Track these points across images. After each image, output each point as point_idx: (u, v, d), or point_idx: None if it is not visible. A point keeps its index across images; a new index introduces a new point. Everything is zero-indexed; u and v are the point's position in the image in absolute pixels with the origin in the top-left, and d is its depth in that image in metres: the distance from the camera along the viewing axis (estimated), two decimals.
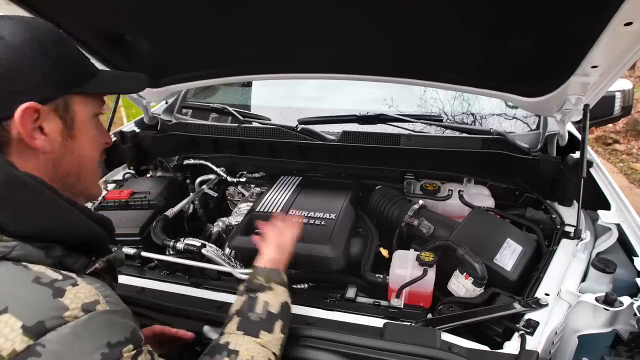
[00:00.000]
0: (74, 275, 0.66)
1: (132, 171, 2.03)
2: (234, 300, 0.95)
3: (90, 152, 0.80)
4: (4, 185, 0.65)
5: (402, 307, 1.20)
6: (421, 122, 1.84)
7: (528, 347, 0.98)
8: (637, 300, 1.04)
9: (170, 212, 1.62)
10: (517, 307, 1.11)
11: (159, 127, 2.07)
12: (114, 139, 2.03)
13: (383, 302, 1.23)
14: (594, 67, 1.16)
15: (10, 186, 0.66)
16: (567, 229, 1.43)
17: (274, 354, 0.86)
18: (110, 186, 1.84)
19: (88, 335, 0.60)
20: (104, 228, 0.78)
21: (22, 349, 0.56)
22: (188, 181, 1.99)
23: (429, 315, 1.20)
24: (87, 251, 0.74)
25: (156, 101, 2.03)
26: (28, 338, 0.56)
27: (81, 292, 0.63)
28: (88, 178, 0.82)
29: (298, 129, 1.80)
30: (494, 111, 2.02)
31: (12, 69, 0.68)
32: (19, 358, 0.55)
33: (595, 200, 1.52)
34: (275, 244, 1.08)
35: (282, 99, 2.30)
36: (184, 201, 1.73)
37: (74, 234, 0.71)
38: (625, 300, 1.03)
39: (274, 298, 0.94)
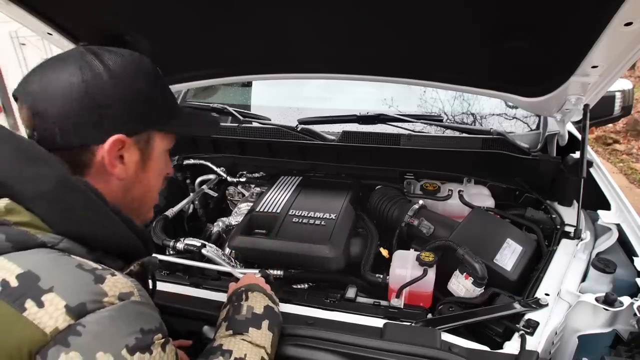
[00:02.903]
0: (112, 270, 0.69)
1: None
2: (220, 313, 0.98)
3: (155, 182, 0.87)
4: (57, 185, 0.69)
5: (402, 307, 1.20)
6: (421, 122, 1.85)
7: (528, 347, 0.98)
8: (637, 300, 1.04)
9: (170, 212, 1.62)
10: (517, 307, 1.11)
11: None
12: None
13: (383, 302, 1.23)
14: (594, 67, 1.16)
15: (63, 187, 0.69)
16: (567, 229, 1.43)
17: (265, 350, 0.88)
18: None
19: (124, 320, 0.63)
20: (141, 240, 0.80)
21: (64, 327, 0.58)
22: (188, 181, 1.99)
23: (429, 315, 1.20)
24: (123, 259, 0.77)
25: None
26: (70, 317, 0.59)
27: (119, 282, 0.66)
28: (148, 204, 0.89)
29: (298, 129, 1.80)
30: (494, 111, 2.02)
31: (110, 101, 0.74)
32: (60, 336, 0.58)
33: (595, 200, 1.52)
34: (254, 280, 1.10)
35: (283, 99, 2.31)
36: (184, 201, 1.73)
37: (113, 241, 0.74)
38: (625, 300, 1.03)
39: (257, 303, 0.97)
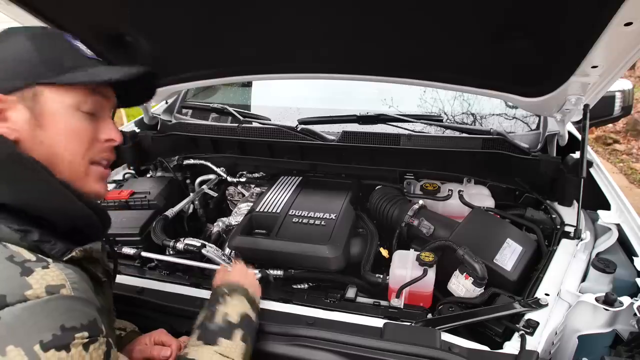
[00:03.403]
0: (49, 259, 0.68)
1: (132, 171, 2.03)
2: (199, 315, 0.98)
3: (67, 144, 0.78)
4: (7, 157, 0.70)
5: (402, 307, 1.20)
6: (421, 122, 1.85)
7: (528, 347, 0.98)
8: (637, 300, 1.04)
9: (170, 212, 1.62)
10: (517, 307, 1.11)
11: (158, 127, 2.08)
12: None
13: (383, 302, 1.23)
14: (594, 67, 1.16)
15: (11, 161, 0.70)
16: (567, 229, 1.43)
17: None
18: (110, 186, 1.84)
19: (44, 315, 0.62)
20: (98, 216, 0.80)
21: None
22: (188, 181, 1.99)
23: (429, 315, 1.20)
24: (78, 238, 0.76)
25: (156, 101, 2.03)
26: None
27: (49, 275, 0.65)
28: (67, 171, 0.79)
29: (298, 129, 1.80)
30: (494, 111, 2.02)
31: None
32: None
33: (595, 200, 1.52)
34: (244, 274, 1.11)
35: (282, 99, 2.31)
36: (184, 201, 1.73)
37: (63, 215, 0.74)
38: (625, 300, 1.03)
39: (232, 309, 0.96)
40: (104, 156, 0.86)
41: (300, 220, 1.43)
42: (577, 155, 1.53)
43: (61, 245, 0.72)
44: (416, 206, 1.53)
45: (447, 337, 1.02)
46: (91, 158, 0.82)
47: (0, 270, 0.63)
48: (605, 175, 1.62)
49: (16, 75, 0.76)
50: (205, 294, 1.22)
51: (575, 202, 1.54)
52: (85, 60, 0.82)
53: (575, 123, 1.66)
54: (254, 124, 1.90)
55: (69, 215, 0.75)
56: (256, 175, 1.92)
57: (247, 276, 1.10)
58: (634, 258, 1.25)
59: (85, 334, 0.64)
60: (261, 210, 1.50)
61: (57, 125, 0.78)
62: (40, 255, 0.68)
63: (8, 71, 0.76)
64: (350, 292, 1.27)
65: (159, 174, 1.99)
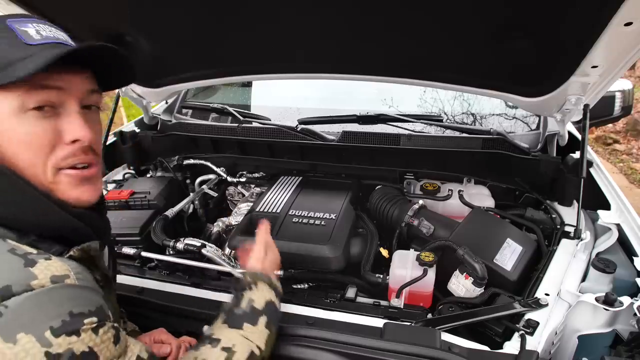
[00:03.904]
0: (49, 254, 0.68)
1: (132, 171, 2.03)
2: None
3: (22, 154, 0.70)
4: None
5: (402, 307, 1.20)
6: (421, 122, 1.85)
7: (528, 347, 0.98)
8: (637, 300, 1.04)
9: (170, 212, 1.62)
10: (517, 307, 1.11)
11: (158, 127, 2.08)
12: (113, 139, 2.03)
13: (383, 302, 1.23)
14: (594, 67, 1.16)
15: None
16: (567, 229, 1.43)
17: (258, 347, 0.87)
18: (110, 186, 1.84)
19: (51, 302, 0.62)
20: (85, 223, 0.77)
21: None
22: (188, 181, 1.99)
23: (429, 315, 1.20)
24: (71, 244, 0.74)
25: (156, 101, 2.03)
26: None
27: (52, 266, 0.65)
28: (35, 182, 0.72)
29: (298, 129, 1.80)
30: (494, 111, 2.02)
31: None
32: None
33: (595, 200, 1.52)
34: (265, 256, 1.07)
35: (282, 99, 2.31)
36: (184, 201, 1.73)
37: (45, 225, 0.72)
38: (625, 300, 1.03)
39: (259, 295, 0.95)
40: (74, 160, 0.74)
41: (300, 220, 1.43)
42: (577, 155, 1.53)
43: (58, 246, 0.72)
44: (416, 206, 1.53)
45: (447, 337, 1.02)
46: (56, 164, 0.73)
47: (3, 262, 0.64)
48: (605, 175, 1.62)
49: None
50: (205, 293, 1.22)
51: (575, 202, 1.54)
52: (28, 48, 0.69)
53: (575, 123, 1.66)
54: (254, 124, 1.90)
55: (48, 226, 0.72)
56: (256, 175, 1.92)
57: (271, 264, 1.08)
58: (634, 258, 1.25)
59: (94, 319, 0.64)
60: (261, 210, 1.50)
61: (5, 135, 0.69)
62: (40, 250, 0.68)
63: None
64: (350, 292, 1.27)
65: (159, 174, 1.99)
